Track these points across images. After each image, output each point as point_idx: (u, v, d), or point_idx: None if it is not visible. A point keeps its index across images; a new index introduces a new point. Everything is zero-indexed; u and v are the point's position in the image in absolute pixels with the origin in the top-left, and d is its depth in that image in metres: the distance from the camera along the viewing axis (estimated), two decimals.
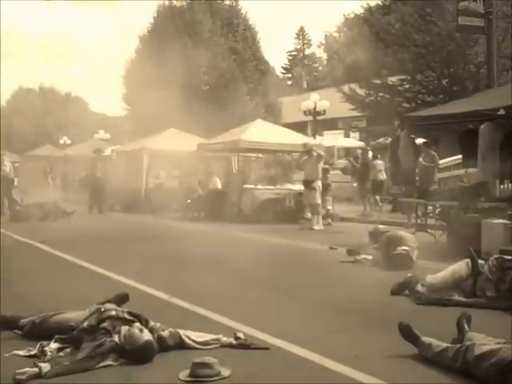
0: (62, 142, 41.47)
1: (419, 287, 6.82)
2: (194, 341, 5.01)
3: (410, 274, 7.31)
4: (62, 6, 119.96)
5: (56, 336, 4.92)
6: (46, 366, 4.37)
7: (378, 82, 27.14)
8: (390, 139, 18.82)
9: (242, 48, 35.17)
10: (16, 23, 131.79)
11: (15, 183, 39.16)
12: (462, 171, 15.47)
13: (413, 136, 12.95)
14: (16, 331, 5.38)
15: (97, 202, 20.32)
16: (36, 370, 4.32)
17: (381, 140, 23.35)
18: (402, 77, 26.55)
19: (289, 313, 6.37)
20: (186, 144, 20.66)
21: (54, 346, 4.82)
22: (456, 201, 10.66)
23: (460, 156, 15.06)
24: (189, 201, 18.57)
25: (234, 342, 5.06)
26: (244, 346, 5.01)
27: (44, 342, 4.86)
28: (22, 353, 4.80)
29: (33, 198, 18.97)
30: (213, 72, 33.08)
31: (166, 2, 36.38)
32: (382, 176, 18.16)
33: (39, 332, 5.18)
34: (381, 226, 11.80)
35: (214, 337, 5.09)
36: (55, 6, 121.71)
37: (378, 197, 18.11)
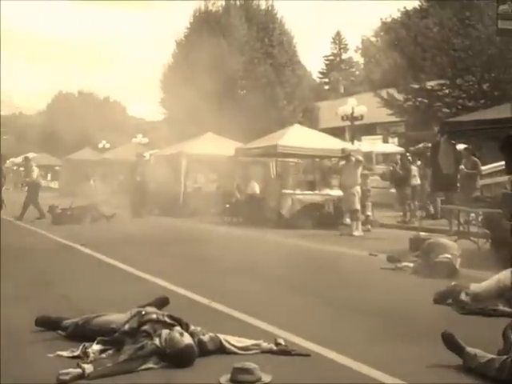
0: (100, 145, 41.93)
1: (463, 296, 6.67)
2: (234, 346, 5.00)
3: (453, 283, 7.18)
4: (100, 10, 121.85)
5: (98, 338, 4.98)
6: (89, 367, 4.42)
7: (416, 86, 26.86)
8: (429, 145, 18.57)
9: (279, 52, 35.21)
10: (54, 28, 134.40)
11: (56, 186, 40.00)
12: (504, 178, 15.12)
13: (453, 142, 12.74)
14: (59, 332, 5.46)
15: (137, 206, 20.46)
16: (79, 370, 4.37)
17: (420, 146, 23.07)
18: (442, 81, 26.25)
19: (328, 319, 6.31)
20: (224, 148, 20.71)
21: (96, 347, 4.87)
22: (499, 208, 10.44)
23: (503, 162, 14.74)
24: (227, 205, 18.59)
25: (275, 347, 5.03)
26: (285, 352, 4.98)
27: (87, 344, 4.92)
28: (65, 353, 4.86)
29: (74, 201, 19.23)
30: (249, 77, 33.17)
31: (202, 7, 36.65)
32: (416, 181, 17.95)
33: (82, 333, 5.24)
34: (422, 233, 11.66)
35: (254, 342, 5.07)
36: (93, 11, 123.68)
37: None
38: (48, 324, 5.62)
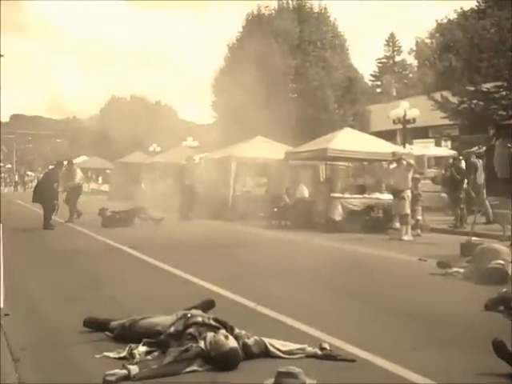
0: (151, 149, 42.38)
1: None
2: (278, 349, 4.98)
3: (505, 289, 7.00)
4: (153, 15, 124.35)
5: (144, 339, 5.03)
6: (134, 369, 4.47)
7: (471, 88, 26.30)
8: (484, 148, 18.14)
9: (331, 55, 34.90)
10: (108, 34, 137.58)
11: (107, 189, 40.67)
12: None
13: (509, 145, 12.41)
14: (107, 333, 5.55)
15: (185, 209, 20.50)
16: (125, 371, 4.43)
17: (475, 149, 22.55)
18: (498, 83, 25.60)
19: (375, 324, 6.22)
20: (273, 152, 20.72)
21: (142, 349, 4.93)
22: None
23: None
24: (275, 209, 18.55)
25: (320, 352, 4.99)
26: (329, 356, 4.94)
27: (133, 345, 4.99)
28: (111, 354, 4.94)
29: (124, 204, 19.53)
30: (301, 80, 33.06)
31: (255, 11, 36.70)
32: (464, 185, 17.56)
33: (128, 335, 5.31)
34: (474, 238, 11.38)
35: (298, 346, 5.05)
36: (145, 16, 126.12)
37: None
38: (95, 325, 5.72)
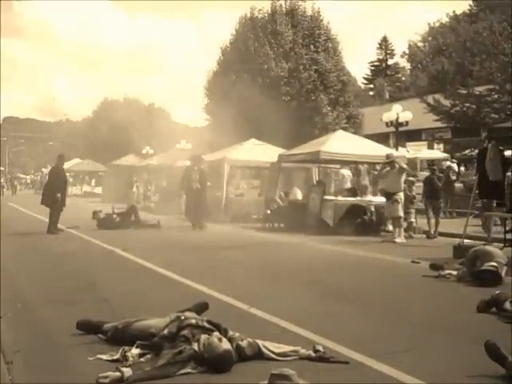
0: (144, 151, 42.25)
1: (507, 305, 6.53)
2: (272, 352, 4.97)
3: (497, 292, 7.02)
4: (147, 19, 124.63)
5: (137, 342, 5.02)
6: (127, 371, 4.45)
7: (464, 92, 26.43)
8: (476, 151, 18.20)
9: (324, 59, 34.97)
10: (102, 37, 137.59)
11: (100, 192, 40.53)
12: None
13: (501, 148, 12.45)
14: (100, 336, 5.53)
15: (197, 216, 18.09)
16: (118, 374, 4.41)
17: (467, 152, 22.65)
18: (490, 86, 25.74)
19: (368, 326, 6.24)
20: (267, 155, 20.74)
21: (135, 351, 4.91)
22: None
23: None
24: (269, 211, 18.55)
25: (313, 354, 4.99)
26: (323, 359, 4.93)
27: (126, 348, 4.97)
28: (104, 357, 4.92)
29: (117, 206, 19.42)
30: (294, 83, 33.13)
31: (248, 14, 36.74)
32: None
33: (121, 337, 5.29)
34: (466, 241, 11.41)
35: (292, 348, 5.04)
36: (140, 20, 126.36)
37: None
38: (89, 328, 5.70)
